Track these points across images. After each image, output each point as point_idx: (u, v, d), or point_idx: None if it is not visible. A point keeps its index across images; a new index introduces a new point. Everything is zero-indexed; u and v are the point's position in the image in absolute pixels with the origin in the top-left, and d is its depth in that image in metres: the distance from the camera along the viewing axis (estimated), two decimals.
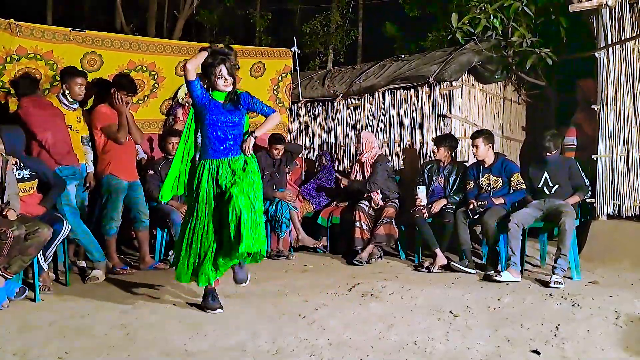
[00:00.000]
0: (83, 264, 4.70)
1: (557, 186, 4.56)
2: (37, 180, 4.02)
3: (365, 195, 5.35)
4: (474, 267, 4.60)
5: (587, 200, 4.91)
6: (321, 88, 6.82)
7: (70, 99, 4.53)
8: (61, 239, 3.97)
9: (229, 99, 3.49)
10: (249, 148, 3.46)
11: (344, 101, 6.64)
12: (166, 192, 3.52)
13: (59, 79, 4.68)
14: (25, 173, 3.96)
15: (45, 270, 3.93)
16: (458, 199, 4.99)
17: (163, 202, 5.02)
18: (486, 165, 4.84)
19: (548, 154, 4.62)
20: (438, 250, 4.77)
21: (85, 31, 5.05)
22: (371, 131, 6.19)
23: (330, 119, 6.76)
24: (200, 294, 3.87)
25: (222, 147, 3.45)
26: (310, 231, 5.72)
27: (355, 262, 4.97)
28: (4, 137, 3.84)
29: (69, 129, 4.50)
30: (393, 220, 5.18)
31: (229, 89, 3.48)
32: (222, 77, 3.43)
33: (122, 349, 2.78)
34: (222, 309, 3.46)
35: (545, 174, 4.62)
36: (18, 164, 3.91)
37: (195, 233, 3.39)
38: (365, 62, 7.72)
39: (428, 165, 5.31)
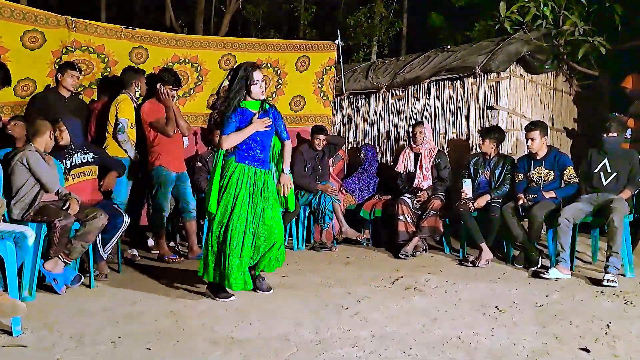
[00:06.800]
0: (134, 252, 4.89)
1: (615, 174, 4.39)
2: (97, 165, 4.24)
3: (412, 188, 5.30)
4: (538, 255, 4.46)
5: None
6: (364, 80, 6.79)
7: (136, 96, 4.83)
8: (122, 232, 4.15)
9: (262, 109, 3.58)
10: (286, 186, 3.65)
11: (387, 93, 6.59)
12: (212, 206, 3.50)
13: (109, 69, 5.13)
14: (89, 157, 4.20)
15: (105, 259, 4.10)
16: (501, 192, 4.88)
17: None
18: (538, 158, 4.70)
19: (606, 135, 4.44)
20: (484, 245, 4.69)
21: (135, 29, 5.33)
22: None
23: (373, 111, 6.73)
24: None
25: (255, 155, 3.56)
26: (352, 224, 5.72)
27: (401, 255, 4.93)
28: (68, 127, 4.08)
29: (133, 127, 4.73)
30: (439, 213, 5.13)
31: (263, 96, 3.58)
32: (257, 83, 3.51)
33: (171, 335, 2.87)
34: (234, 295, 3.54)
35: (606, 161, 4.45)
36: (82, 149, 4.15)
37: (234, 233, 3.43)
38: (409, 53, 7.62)
39: (474, 158, 5.20)
